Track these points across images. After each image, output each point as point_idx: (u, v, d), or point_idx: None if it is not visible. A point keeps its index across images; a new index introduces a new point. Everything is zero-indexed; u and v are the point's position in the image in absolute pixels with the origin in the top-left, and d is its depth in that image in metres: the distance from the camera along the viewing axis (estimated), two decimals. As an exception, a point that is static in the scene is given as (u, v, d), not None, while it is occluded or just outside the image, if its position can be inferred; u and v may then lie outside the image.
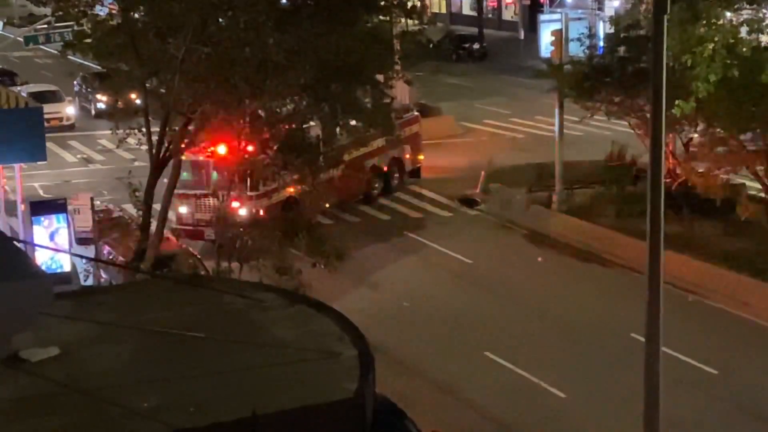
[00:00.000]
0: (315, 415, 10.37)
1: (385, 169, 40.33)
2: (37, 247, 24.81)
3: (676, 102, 29.06)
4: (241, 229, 27.61)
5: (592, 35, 37.05)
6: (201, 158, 32.43)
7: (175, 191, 32.60)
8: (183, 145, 25.87)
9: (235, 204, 31.52)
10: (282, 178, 32.97)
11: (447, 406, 23.95)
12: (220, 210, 28.84)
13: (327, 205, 34.72)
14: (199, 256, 29.93)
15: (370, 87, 28.59)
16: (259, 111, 25.68)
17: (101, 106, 53.28)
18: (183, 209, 33.87)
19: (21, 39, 52.73)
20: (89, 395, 10.45)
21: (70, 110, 55.30)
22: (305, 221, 30.58)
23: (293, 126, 27.10)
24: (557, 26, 40.33)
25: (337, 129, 30.64)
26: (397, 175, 41.07)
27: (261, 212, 32.63)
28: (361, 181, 38.73)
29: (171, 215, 33.17)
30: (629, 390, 22.03)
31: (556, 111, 38.43)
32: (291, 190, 33.43)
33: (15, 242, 12.14)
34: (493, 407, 23.95)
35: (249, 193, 32.95)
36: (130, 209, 28.90)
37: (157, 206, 26.03)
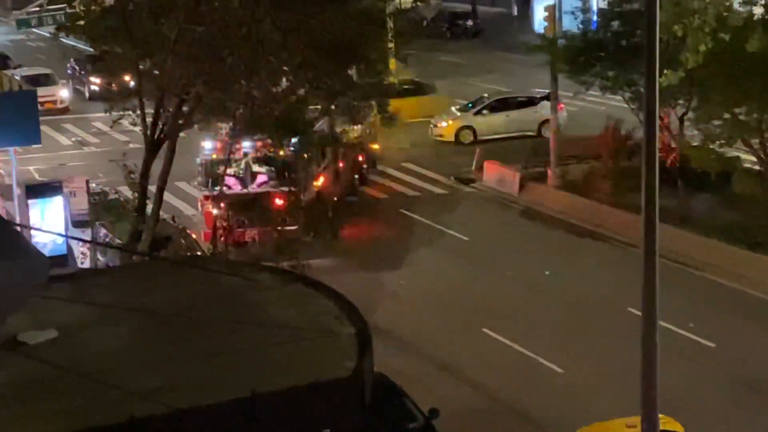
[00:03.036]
0: (314, 394, 10.39)
1: (361, 159, 39.44)
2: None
3: (664, 71, 29.05)
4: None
5: (585, 10, 37.01)
6: (237, 157, 31.99)
7: (205, 193, 31.99)
8: (178, 126, 25.82)
9: (278, 201, 31.28)
10: (313, 172, 32.96)
11: (445, 384, 24.01)
12: (220, 196, 28.81)
13: (336, 199, 34.69)
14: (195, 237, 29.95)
15: (365, 65, 28.57)
16: (254, 91, 25.63)
17: (95, 88, 53.23)
18: (217, 211, 31.91)
19: (13, 22, 52.59)
20: (88, 378, 10.47)
21: (63, 93, 55.19)
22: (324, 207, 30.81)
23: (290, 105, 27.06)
24: (551, 2, 40.20)
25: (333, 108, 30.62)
26: (365, 166, 40.06)
27: (301, 208, 32.05)
28: (351, 173, 38.35)
29: (196, 217, 33.27)
30: (627, 364, 22.08)
31: (551, 86, 38.40)
32: (318, 183, 33.36)
33: (11, 224, 12.13)
34: (492, 384, 24.01)
35: (291, 189, 31.89)
36: (126, 191, 28.88)
37: (152, 188, 26.01)
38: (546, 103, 44.44)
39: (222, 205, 31.25)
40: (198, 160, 32.59)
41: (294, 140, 32.02)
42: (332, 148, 34.95)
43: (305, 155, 32.87)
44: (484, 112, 45.33)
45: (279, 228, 30.00)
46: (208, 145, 32.30)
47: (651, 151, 12.09)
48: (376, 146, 41.05)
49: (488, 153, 40.83)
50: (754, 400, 22.91)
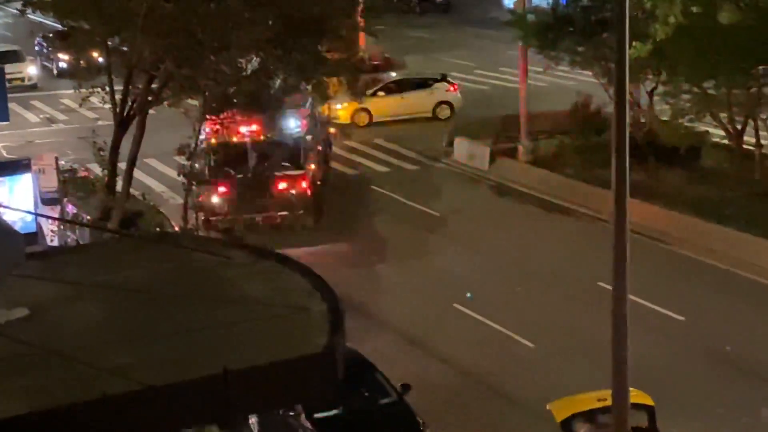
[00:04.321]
0: (286, 370, 10.40)
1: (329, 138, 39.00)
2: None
3: (633, 44, 29.17)
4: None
5: (555, -15, 37.01)
6: (236, 140, 31.04)
7: (203, 179, 30.41)
8: (147, 103, 25.70)
9: (282, 185, 30.75)
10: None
11: (417, 359, 24.07)
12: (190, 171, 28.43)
13: (319, 182, 34.37)
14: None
15: (335, 39, 28.52)
16: (223, 67, 25.53)
17: (63, 65, 52.91)
18: (216, 198, 31.15)
19: (-21, -1, 52.14)
20: (60, 355, 10.45)
21: (31, 70, 54.84)
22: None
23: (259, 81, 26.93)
24: (520, -23, 40.17)
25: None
26: (329, 148, 39.43)
27: (309, 192, 31.48)
28: (325, 152, 37.96)
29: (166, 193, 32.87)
30: (597, 338, 22.22)
31: (520, 62, 38.44)
32: (313, 166, 32.99)
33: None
34: (463, 359, 24.09)
35: (296, 172, 31.34)
36: (96, 168, 28.72)
37: (122, 165, 25.91)
38: (441, 85, 45.11)
39: (223, 191, 30.50)
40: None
41: (296, 122, 31.23)
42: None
43: (308, 137, 32.48)
44: (380, 93, 45.12)
45: (286, 213, 29.73)
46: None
47: (621, 126, 12.13)
48: (332, 130, 40.61)
49: (458, 128, 40.86)
50: (723, 373, 23.09)
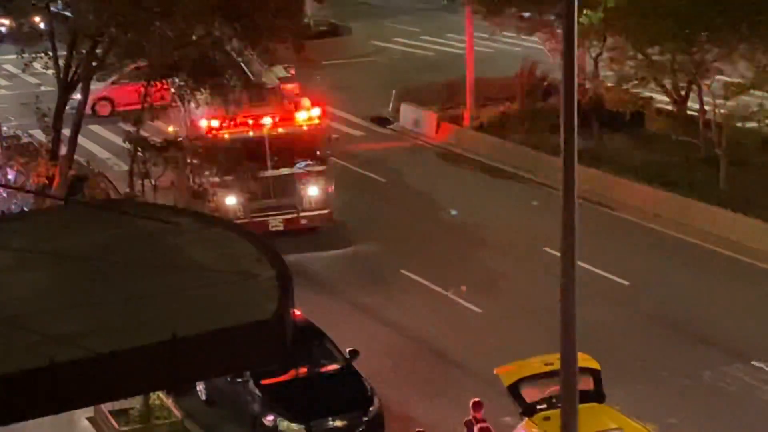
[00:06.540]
0: (235, 336, 10.39)
1: None
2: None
3: (584, 11, 29.34)
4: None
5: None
6: (251, 134, 28.40)
7: (217, 179, 27.98)
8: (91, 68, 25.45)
9: (304, 183, 28.76)
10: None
11: (365, 325, 24.14)
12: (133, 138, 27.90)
13: None
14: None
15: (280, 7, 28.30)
16: (168, 32, 25.29)
17: (4, 30, 52.23)
18: (232, 200, 28.54)
19: None
20: (6, 323, 10.37)
21: (-28, 35, 54.09)
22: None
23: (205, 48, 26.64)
24: (466, -58, 40.11)
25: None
26: None
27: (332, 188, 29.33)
28: None
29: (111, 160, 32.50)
30: (544, 303, 22.43)
31: (467, 28, 38.48)
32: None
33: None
34: (411, 324, 24.19)
35: (319, 168, 28.97)
36: (40, 135, 28.42)
37: (66, 131, 25.67)
38: None
39: (233, 191, 28.26)
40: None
41: (316, 111, 29.03)
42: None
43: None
44: (123, 81, 42.76)
45: (310, 213, 28.56)
46: (206, 123, 28.66)
47: (570, 92, 12.17)
48: None
49: (404, 94, 40.84)
50: (666, 336, 23.37)
